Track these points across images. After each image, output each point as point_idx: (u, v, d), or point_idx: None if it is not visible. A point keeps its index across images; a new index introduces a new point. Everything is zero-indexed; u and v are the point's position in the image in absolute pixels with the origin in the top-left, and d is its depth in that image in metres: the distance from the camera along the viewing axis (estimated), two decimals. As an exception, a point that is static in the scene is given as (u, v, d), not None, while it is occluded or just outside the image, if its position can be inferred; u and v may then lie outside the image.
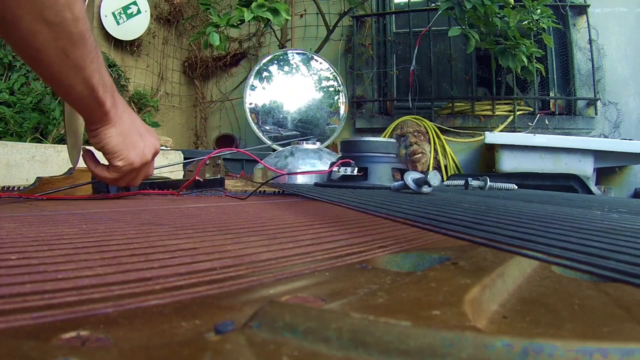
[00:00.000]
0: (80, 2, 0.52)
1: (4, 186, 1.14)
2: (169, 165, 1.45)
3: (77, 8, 0.51)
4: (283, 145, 2.03)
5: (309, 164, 1.54)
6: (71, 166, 0.94)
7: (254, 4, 2.25)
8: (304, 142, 1.76)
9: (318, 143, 1.81)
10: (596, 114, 3.00)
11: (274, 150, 3.00)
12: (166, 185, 1.13)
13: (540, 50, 2.50)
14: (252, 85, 3.06)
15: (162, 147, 2.29)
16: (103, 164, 0.69)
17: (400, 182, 1.03)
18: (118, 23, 3.02)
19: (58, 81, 0.56)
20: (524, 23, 2.42)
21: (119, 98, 0.65)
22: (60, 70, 0.54)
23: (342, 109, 3.08)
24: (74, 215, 0.62)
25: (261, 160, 1.11)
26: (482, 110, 3.10)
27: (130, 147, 0.66)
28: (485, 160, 2.93)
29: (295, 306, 0.20)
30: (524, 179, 1.85)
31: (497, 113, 3.06)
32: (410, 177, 0.99)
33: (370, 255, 0.37)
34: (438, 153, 2.92)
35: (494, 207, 0.62)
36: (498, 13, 2.32)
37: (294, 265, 0.34)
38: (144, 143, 0.69)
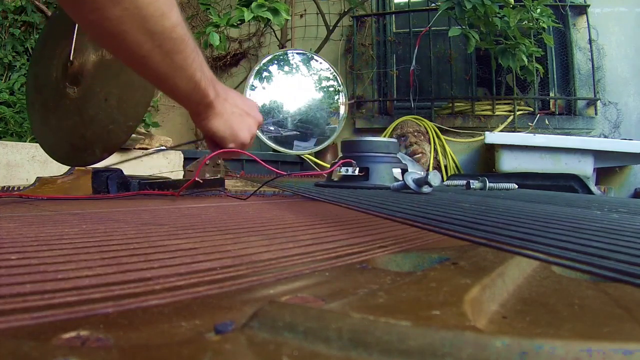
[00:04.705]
0: (176, 10, 0.56)
1: (4, 186, 1.14)
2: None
3: (174, 16, 0.56)
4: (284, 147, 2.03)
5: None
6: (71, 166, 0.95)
7: (254, 4, 2.25)
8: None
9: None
10: (596, 114, 3.00)
11: (274, 151, 3.00)
12: (166, 186, 1.13)
13: (540, 50, 2.50)
14: (252, 85, 3.06)
15: (162, 147, 2.29)
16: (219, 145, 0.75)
17: (400, 182, 1.03)
18: (118, 23, 3.01)
19: (164, 81, 0.61)
20: (524, 23, 2.42)
21: (220, 85, 0.71)
22: (166, 72, 0.59)
23: (342, 109, 3.08)
24: (74, 215, 0.62)
25: (261, 160, 1.11)
26: (482, 110, 3.10)
27: (237, 130, 0.73)
28: (485, 160, 2.93)
29: (295, 306, 0.20)
30: (524, 179, 1.85)
31: (497, 113, 3.05)
32: (410, 177, 0.99)
33: (370, 255, 0.37)
34: (438, 153, 2.92)
35: (494, 207, 0.62)
36: (498, 13, 2.32)
37: (294, 265, 0.34)
38: (248, 121, 0.75)
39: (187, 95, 0.64)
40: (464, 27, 2.42)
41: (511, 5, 2.32)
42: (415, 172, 1.03)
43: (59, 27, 1.16)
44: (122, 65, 1.04)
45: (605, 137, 2.94)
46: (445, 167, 2.89)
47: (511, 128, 2.99)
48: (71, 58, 1.06)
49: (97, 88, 1.07)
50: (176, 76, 0.60)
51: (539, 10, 2.32)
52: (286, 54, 3.13)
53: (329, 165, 2.37)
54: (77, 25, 1.04)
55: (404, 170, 1.26)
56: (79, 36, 1.06)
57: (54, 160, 1.18)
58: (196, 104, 0.67)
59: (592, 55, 2.97)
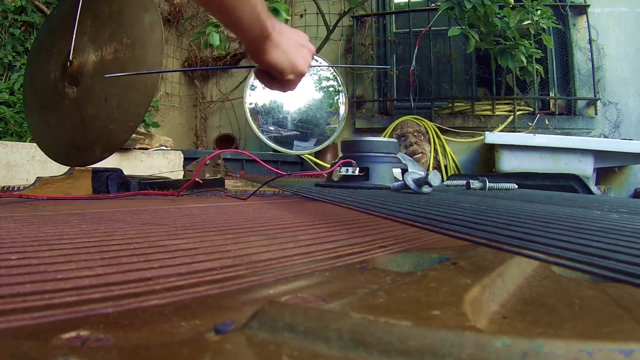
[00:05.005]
0: None
1: (4, 186, 1.14)
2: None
3: None
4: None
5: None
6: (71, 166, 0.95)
7: (254, 4, 2.25)
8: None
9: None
10: (596, 114, 3.00)
11: (274, 151, 3.00)
12: (166, 186, 1.13)
13: (540, 51, 2.50)
14: (252, 85, 3.06)
15: (162, 147, 2.29)
16: (275, 79, 0.79)
17: (400, 182, 1.03)
18: (118, 23, 3.02)
19: (230, 14, 0.66)
20: (523, 23, 2.42)
21: (275, 20, 0.74)
22: (234, 6, 0.64)
23: (342, 109, 3.08)
24: (74, 215, 0.62)
25: (261, 160, 1.11)
26: (482, 110, 3.10)
27: (295, 60, 0.76)
28: (485, 160, 2.93)
29: (295, 306, 0.20)
30: (524, 179, 1.85)
31: (497, 113, 3.05)
32: (410, 177, 0.98)
33: (370, 255, 0.37)
34: (438, 153, 2.92)
35: (494, 207, 0.62)
36: (498, 13, 2.32)
37: (294, 265, 0.34)
38: (303, 51, 0.79)
39: (250, 28, 0.68)
40: (463, 27, 2.42)
41: (511, 6, 2.32)
42: (415, 172, 1.03)
43: (57, 27, 1.16)
44: (122, 65, 1.04)
45: (605, 137, 2.94)
46: (445, 167, 2.89)
47: (511, 128, 2.99)
48: (71, 58, 1.06)
49: (97, 88, 1.07)
50: (241, 8, 0.65)
51: (539, 12, 2.32)
52: (286, 54, 3.13)
53: (329, 165, 2.37)
54: (76, 25, 1.04)
55: (404, 170, 1.26)
56: (79, 36, 1.06)
57: (53, 161, 1.18)
58: (257, 37, 0.70)
59: (592, 55, 2.97)
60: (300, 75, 0.78)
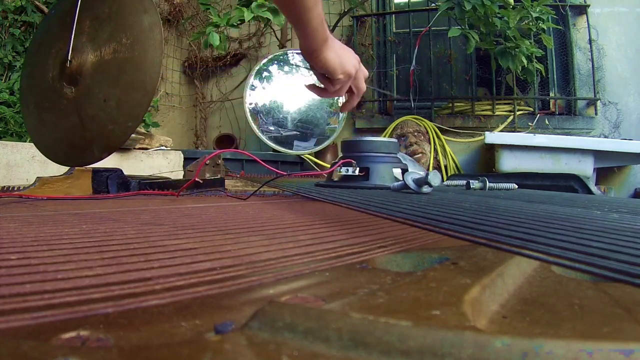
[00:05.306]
0: None
1: (4, 186, 1.14)
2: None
3: None
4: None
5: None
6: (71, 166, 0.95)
7: (254, 4, 2.25)
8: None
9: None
10: (596, 114, 3.00)
11: (274, 151, 3.00)
12: (166, 186, 1.13)
13: (540, 50, 2.50)
14: (252, 85, 3.06)
15: (162, 147, 2.29)
16: (321, 87, 0.90)
17: (400, 182, 1.03)
18: (118, 23, 3.01)
19: (305, 15, 0.76)
20: (523, 23, 2.42)
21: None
22: (310, 7, 0.74)
23: (342, 109, 3.08)
24: (74, 215, 0.62)
25: (261, 160, 1.11)
26: (482, 110, 3.10)
27: (344, 62, 0.86)
28: (485, 160, 2.93)
29: (295, 306, 0.20)
30: (524, 179, 1.85)
31: (497, 113, 3.05)
32: (411, 177, 0.98)
33: (370, 255, 0.37)
34: (438, 153, 2.92)
35: (494, 207, 0.62)
36: (498, 13, 2.32)
37: (294, 265, 0.34)
38: (350, 55, 0.89)
39: (316, 30, 0.78)
40: (463, 27, 2.42)
41: (511, 6, 2.32)
42: (415, 172, 1.03)
43: (56, 27, 1.16)
44: (122, 66, 1.04)
45: (605, 137, 2.94)
46: (445, 167, 2.89)
47: (511, 128, 2.99)
48: (69, 58, 1.06)
49: (96, 89, 1.07)
50: (313, 10, 0.75)
51: (538, 9, 2.32)
52: (286, 54, 3.13)
53: (329, 165, 2.37)
54: (74, 25, 1.04)
55: (404, 170, 1.26)
56: (77, 36, 1.05)
57: (51, 160, 1.18)
58: (320, 38, 0.80)
59: (592, 55, 2.97)
60: (348, 75, 0.87)
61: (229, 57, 3.69)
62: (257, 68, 3.07)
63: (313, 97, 3.11)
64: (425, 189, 0.97)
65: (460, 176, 2.39)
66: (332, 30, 3.11)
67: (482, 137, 2.69)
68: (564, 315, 0.23)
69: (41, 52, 1.17)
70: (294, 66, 3.12)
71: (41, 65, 1.14)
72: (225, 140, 3.58)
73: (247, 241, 0.43)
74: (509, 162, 2.53)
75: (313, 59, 0.84)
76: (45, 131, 1.16)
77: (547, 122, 3.01)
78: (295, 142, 3.05)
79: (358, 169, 1.22)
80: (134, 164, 2.05)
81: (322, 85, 0.91)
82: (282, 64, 3.11)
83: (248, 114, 3.02)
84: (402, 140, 2.92)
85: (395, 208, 0.59)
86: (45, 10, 2.61)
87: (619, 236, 0.36)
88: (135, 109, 1.05)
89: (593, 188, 1.82)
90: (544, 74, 2.76)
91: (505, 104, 3.10)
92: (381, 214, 0.56)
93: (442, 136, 2.97)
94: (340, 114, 3.03)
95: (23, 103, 1.25)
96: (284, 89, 3.08)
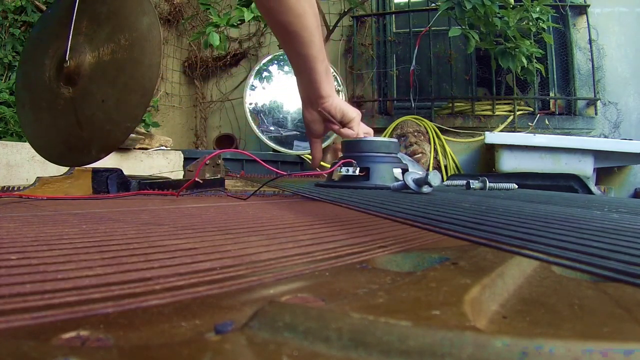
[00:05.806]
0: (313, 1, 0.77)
1: (4, 186, 1.14)
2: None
3: (312, 3, 0.76)
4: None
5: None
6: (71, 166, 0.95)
7: (254, 4, 2.25)
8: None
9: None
10: (596, 114, 3.00)
11: (274, 151, 2.99)
12: (166, 186, 1.13)
13: (541, 50, 2.50)
14: (252, 85, 3.06)
15: (162, 147, 2.29)
16: (341, 137, 0.94)
17: (400, 182, 1.03)
18: (118, 23, 3.01)
19: (313, 57, 0.79)
20: (523, 23, 2.42)
21: None
22: (310, 53, 0.78)
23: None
24: (74, 215, 0.62)
25: (261, 160, 1.11)
26: (482, 110, 3.10)
27: (346, 107, 0.88)
28: (485, 160, 2.94)
29: (295, 306, 0.20)
30: (524, 179, 1.85)
31: (497, 113, 3.05)
32: (411, 177, 0.98)
33: (370, 255, 0.37)
34: (438, 153, 2.92)
35: (494, 207, 0.62)
36: (498, 13, 2.32)
37: (294, 265, 0.34)
38: (348, 104, 0.92)
39: (326, 72, 0.81)
40: (464, 27, 2.42)
41: (511, 6, 2.32)
42: (415, 172, 1.03)
43: (52, 26, 1.15)
44: (120, 67, 1.04)
45: (605, 137, 2.94)
46: (445, 167, 2.89)
47: (511, 128, 2.99)
48: (67, 58, 1.06)
49: (94, 89, 1.07)
50: (319, 59, 0.77)
51: (538, 9, 2.32)
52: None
53: (329, 165, 2.37)
54: (72, 25, 1.04)
55: (405, 170, 1.26)
56: (75, 36, 1.05)
57: (47, 160, 1.18)
58: (330, 82, 0.84)
59: (592, 55, 2.97)
60: (360, 114, 0.90)
61: (229, 57, 3.69)
62: (257, 68, 3.07)
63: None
64: (425, 189, 0.97)
65: (460, 176, 2.38)
66: (332, 31, 3.12)
67: (482, 137, 2.69)
68: (564, 315, 0.23)
69: (38, 52, 1.17)
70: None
71: (38, 65, 1.14)
72: (225, 140, 3.58)
73: (247, 241, 0.42)
74: (509, 162, 2.53)
75: (326, 103, 0.86)
76: (41, 130, 1.16)
77: (547, 122, 3.01)
78: (295, 142, 3.05)
79: (358, 169, 1.22)
80: (134, 164, 2.05)
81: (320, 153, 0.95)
82: (282, 64, 3.11)
83: (248, 114, 3.02)
84: (402, 140, 2.92)
85: (395, 208, 0.59)
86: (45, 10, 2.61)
87: (619, 236, 0.36)
88: (133, 109, 1.04)
89: (593, 188, 1.82)
90: (544, 74, 2.76)
91: (505, 104, 3.10)
92: (381, 214, 0.56)
93: (442, 136, 2.97)
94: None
95: (18, 101, 1.25)
96: (284, 89, 3.08)
